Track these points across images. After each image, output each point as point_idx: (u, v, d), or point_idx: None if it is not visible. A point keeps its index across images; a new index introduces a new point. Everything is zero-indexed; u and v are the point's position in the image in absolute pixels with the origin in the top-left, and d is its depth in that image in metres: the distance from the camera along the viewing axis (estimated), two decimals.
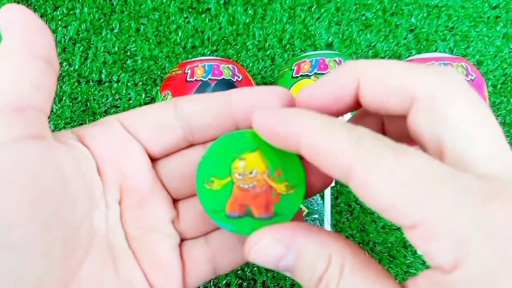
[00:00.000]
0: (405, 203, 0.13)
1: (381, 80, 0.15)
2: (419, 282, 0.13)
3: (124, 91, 0.45)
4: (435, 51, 0.46)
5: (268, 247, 0.16)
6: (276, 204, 0.20)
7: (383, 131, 0.19)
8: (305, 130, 0.14)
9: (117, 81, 0.45)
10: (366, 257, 0.15)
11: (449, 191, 0.12)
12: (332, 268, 0.15)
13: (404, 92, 0.14)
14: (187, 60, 0.38)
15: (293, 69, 0.37)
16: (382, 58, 0.46)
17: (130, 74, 0.45)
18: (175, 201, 0.20)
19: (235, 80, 0.36)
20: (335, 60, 0.36)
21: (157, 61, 0.45)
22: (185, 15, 0.47)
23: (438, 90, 0.14)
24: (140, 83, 0.45)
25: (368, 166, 0.13)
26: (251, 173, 0.19)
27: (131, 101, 0.44)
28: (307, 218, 0.40)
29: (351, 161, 0.13)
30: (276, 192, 0.19)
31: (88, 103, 0.44)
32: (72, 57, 0.45)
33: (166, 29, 0.46)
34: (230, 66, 0.37)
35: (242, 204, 0.19)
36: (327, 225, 0.40)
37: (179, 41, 0.46)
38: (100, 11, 0.47)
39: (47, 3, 0.47)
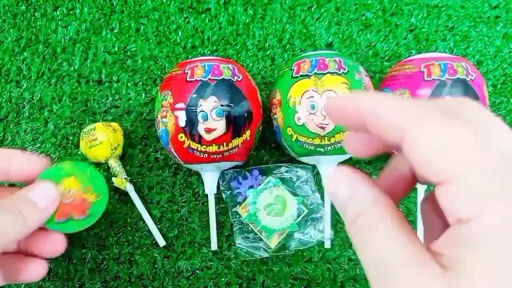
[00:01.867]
0: (442, 160, 0.15)
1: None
2: (441, 242, 0.15)
3: (124, 91, 0.45)
4: (435, 51, 0.46)
5: (339, 177, 0.19)
6: (90, 208, 0.32)
7: None
8: (368, 102, 0.17)
9: (117, 81, 0.45)
10: (404, 219, 0.17)
11: (479, 155, 0.15)
12: (374, 209, 0.17)
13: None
14: (187, 60, 0.38)
15: (293, 69, 0.37)
16: (382, 58, 0.46)
17: (130, 74, 0.45)
18: None
19: (235, 80, 0.36)
20: (335, 60, 0.36)
21: (157, 61, 0.45)
22: (185, 15, 0.47)
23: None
24: (140, 83, 0.45)
25: (419, 127, 0.15)
26: (69, 192, 0.32)
27: (131, 101, 0.44)
28: (306, 218, 0.41)
29: (404, 122, 0.16)
30: (89, 201, 0.32)
31: (88, 103, 0.44)
32: (72, 57, 0.45)
33: (166, 29, 0.46)
34: (230, 66, 0.37)
35: (66, 213, 0.32)
36: (327, 225, 0.40)
37: (179, 41, 0.46)
38: (100, 11, 0.47)
39: (47, 3, 0.47)
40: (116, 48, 0.46)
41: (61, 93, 0.45)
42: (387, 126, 0.17)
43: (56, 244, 0.32)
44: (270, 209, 0.40)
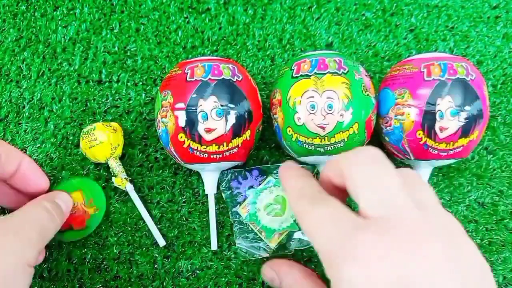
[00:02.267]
0: (321, 238, 0.23)
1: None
2: None
3: (124, 91, 0.45)
4: (435, 51, 0.46)
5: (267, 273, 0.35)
6: (87, 220, 0.38)
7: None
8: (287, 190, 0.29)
9: (117, 81, 0.45)
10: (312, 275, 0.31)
11: (343, 229, 0.22)
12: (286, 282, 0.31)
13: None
14: (187, 60, 0.38)
15: (293, 69, 0.37)
16: (382, 58, 0.46)
17: (130, 74, 0.45)
18: None
19: (235, 80, 0.36)
20: (335, 60, 0.36)
21: (157, 61, 0.45)
22: (185, 15, 0.47)
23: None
24: (140, 83, 0.45)
25: (301, 213, 0.26)
26: (74, 204, 0.38)
27: (131, 101, 0.44)
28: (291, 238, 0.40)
29: (342, 174, 0.26)
30: (88, 213, 0.38)
31: (88, 103, 0.44)
32: (72, 57, 0.45)
33: (166, 29, 0.46)
34: (230, 66, 0.37)
35: (68, 223, 0.38)
36: None
37: (179, 41, 0.46)
38: (100, 11, 0.47)
39: (47, 3, 0.47)
40: (116, 48, 0.46)
41: (61, 93, 0.45)
42: (335, 177, 0.27)
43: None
44: (270, 209, 0.40)
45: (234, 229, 0.41)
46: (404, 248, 0.20)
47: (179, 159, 0.37)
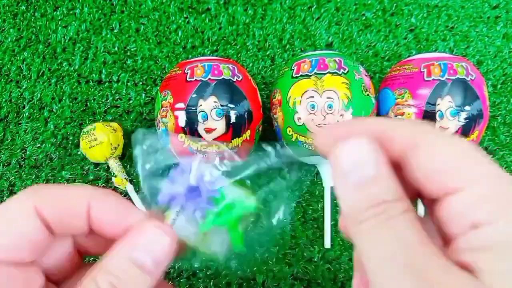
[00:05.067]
0: (456, 168, 0.15)
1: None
2: (456, 249, 0.15)
3: (124, 91, 0.45)
4: (435, 51, 0.46)
5: (362, 148, 0.16)
6: None
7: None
8: (377, 121, 0.17)
9: (117, 81, 0.45)
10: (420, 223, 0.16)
11: (494, 172, 0.15)
12: (399, 203, 0.15)
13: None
14: (187, 60, 0.38)
15: (293, 69, 0.37)
16: (382, 58, 0.46)
17: (130, 74, 0.45)
18: None
19: (235, 80, 0.36)
20: (335, 60, 0.36)
21: (157, 61, 0.45)
22: (185, 15, 0.47)
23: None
24: (140, 83, 0.45)
25: (431, 139, 0.15)
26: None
27: (131, 101, 0.44)
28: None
29: (416, 135, 0.16)
30: None
31: (88, 103, 0.44)
32: (72, 57, 0.45)
33: (166, 29, 0.46)
34: (230, 66, 0.37)
35: None
36: (327, 225, 0.40)
37: (179, 41, 0.46)
38: (100, 11, 0.47)
39: (47, 3, 0.47)
40: (116, 48, 0.46)
41: (61, 93, 0.45)
42: (398, 141, 0.16)
43: None
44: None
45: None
46: None
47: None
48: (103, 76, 0.45)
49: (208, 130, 0.35)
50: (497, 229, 0.14)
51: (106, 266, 0.17)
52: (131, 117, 0.44)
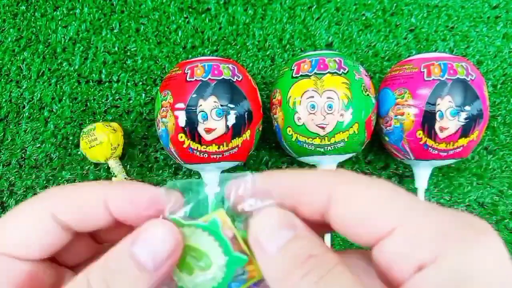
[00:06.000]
0: (380, 212, 0.14)
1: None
2: None
3: (124, 91, 0.45)
4: (435, 51, 0.46)
5: (272, 217, 0.15)
6: None
7: None
8: (289, 175, 0.16)
9: (117, 81, 0.45)
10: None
11: (417, 202, 0.14)
12: (328, 255, 0.15)
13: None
14: (187, 60, 0.38)
15: (293, 69, 0.37)
16: (382, 58, 0.46)
17: (130, 74, 0.45)
18: None
19: (235, 80, 0.36)
20: (335, 60, 0.36)
21: (157, 61, 0.45)
22: (185, 15, 0.47)
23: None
24: (140, 83, 0.45)
25: (351, 186, 0.15)
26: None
27: (131, 101, 0.44)
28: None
29: (333, 185, 0.15)
30: None
31: (88, 103, 0.44)
32: (72, 57, 0.45)
33: (166, 29, 0.46)
34: (230, 66, 0.37)
35: None
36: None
37: (179, 41, 0.46)
38: (100, 11, 0.47)
39: (47, 3, 0.47)
40: (116, 48, 0.46)
41: (61, 93, 0.45)
42: (311, 193, 0.15)
43: None
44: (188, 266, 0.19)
45: None
46: None
47: (179, 159, 0.37)
48: (103, 76, 0.45)
49: (208, 130, 0.35)
50: (446, 266, 0.13)
51: (103, 260, 0.16)
52: (131, 117, 0.44)
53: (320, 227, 0.16)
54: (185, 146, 0.36)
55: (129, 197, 0.17)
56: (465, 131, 0.35)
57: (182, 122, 0.35)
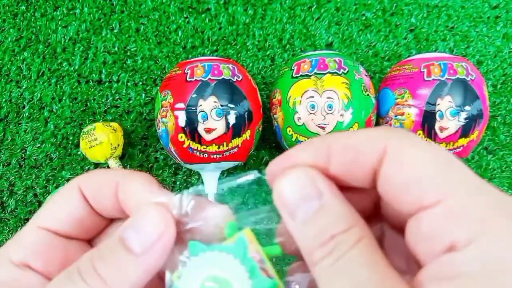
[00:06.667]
0: (430, 180, 0.13)
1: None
2: (429, 275, 0.13)
3: (124, 91, 0.45)
4: (435, 51, 0.46)
5: (300, 181, 0.15)
6: None
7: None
8: (340, 135, 0.15)
9: (117, 81, 0.45)
10: (379, 248, 0.14)
11: (470, 178, 0.13)
12: (350, 233, 0.14)
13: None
14: (187, 60, 0.38)
15: (293, 69, 0.37)
16: (382, 58, 0.46)
17: (130, 74, 0.45)
18: None
19: (235, 80, 0.36)
20: (335, 60, 0.36)
21: (157, 61, 0.45)
22: (185, 15, 0.47)
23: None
24: (140, 83, 0.45)
25: (403, 146, 0.14)
26: None
27: (131, 101, 0.44)
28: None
29: (385, 141, 0.14)
30: None
31: (88, 103, 0.44)
32: (72, 57, 0.45)
33: (166, 29, 0.46)
34: (230, 66, 0.37)
35: None
36: None
37: (179, 41, 0.46)
38: (100, 11, 0.47)
39: (47, 3, 0.47)
40: (116, 48, 0.46)
41: (61, 93, 0.45)
42: (363, 152, 0.14)
43: None
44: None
45: None
46: None
47: (179, 159, 0.37)
48: (103, 76, 0.45)
49: (208, 130, 0.35)
50: (477, 251, 0.12)
51: (99, 245, 0.16)
52: (131, 117, 0.44)
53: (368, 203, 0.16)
54: (185, 146, 0.36)
55: (138, 189, 0.17)
56: (465, 131, 0.35)
57: (182, 122, 0.35)
